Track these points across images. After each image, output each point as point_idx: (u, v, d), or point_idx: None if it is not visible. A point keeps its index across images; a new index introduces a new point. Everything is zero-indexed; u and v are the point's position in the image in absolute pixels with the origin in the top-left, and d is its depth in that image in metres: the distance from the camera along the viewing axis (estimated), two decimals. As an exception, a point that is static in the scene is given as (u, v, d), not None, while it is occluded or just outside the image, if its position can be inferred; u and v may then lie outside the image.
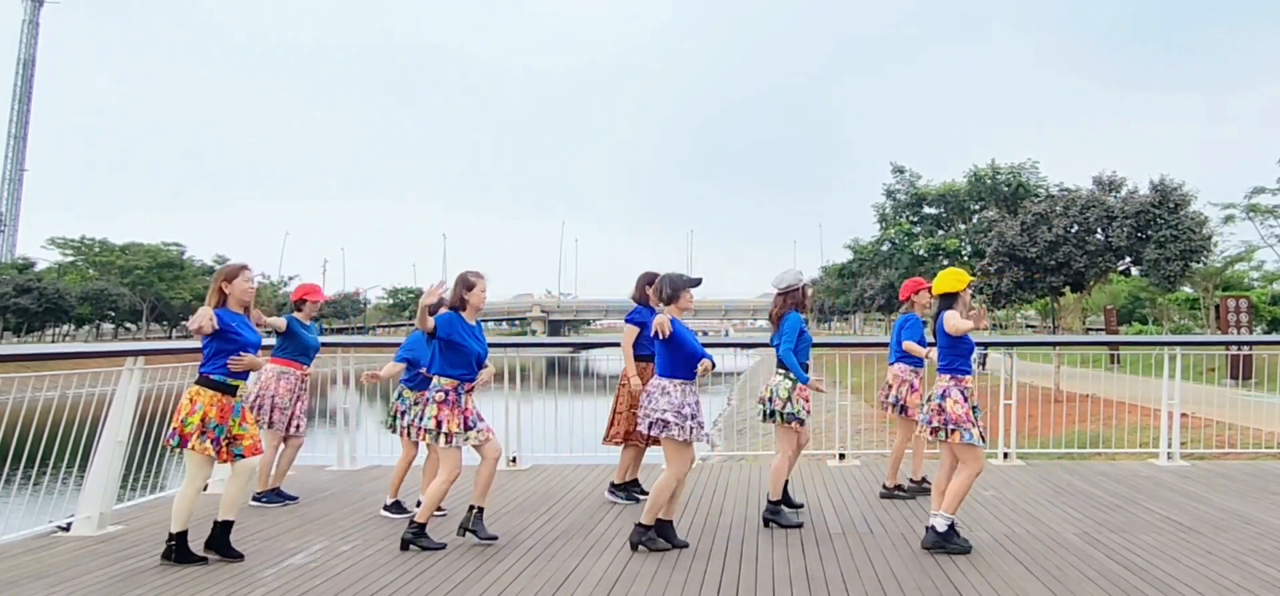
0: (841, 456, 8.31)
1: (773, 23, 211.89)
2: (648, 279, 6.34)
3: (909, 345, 6.57)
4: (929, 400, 5.26)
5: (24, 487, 6.11)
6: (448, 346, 5.13)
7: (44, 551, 5.20)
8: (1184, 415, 9.24)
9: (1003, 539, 5.30)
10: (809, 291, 5.84)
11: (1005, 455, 8.15)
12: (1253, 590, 4.31)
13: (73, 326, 63.39)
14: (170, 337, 64.76)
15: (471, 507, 5.32)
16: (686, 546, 5.22)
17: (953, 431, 5.03)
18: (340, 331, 75.29)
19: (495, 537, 5.37)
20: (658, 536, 5.17)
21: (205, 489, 5.45)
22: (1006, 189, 34.31)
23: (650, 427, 5.10)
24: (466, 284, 5.27)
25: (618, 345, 9.50)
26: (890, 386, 6.75)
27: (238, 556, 4.97)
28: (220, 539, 4.97)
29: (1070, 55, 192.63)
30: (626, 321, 6.51)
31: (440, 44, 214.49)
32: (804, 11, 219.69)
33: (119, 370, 5.88)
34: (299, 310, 6.80)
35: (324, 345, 8.85)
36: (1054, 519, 5.83)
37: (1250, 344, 20.82)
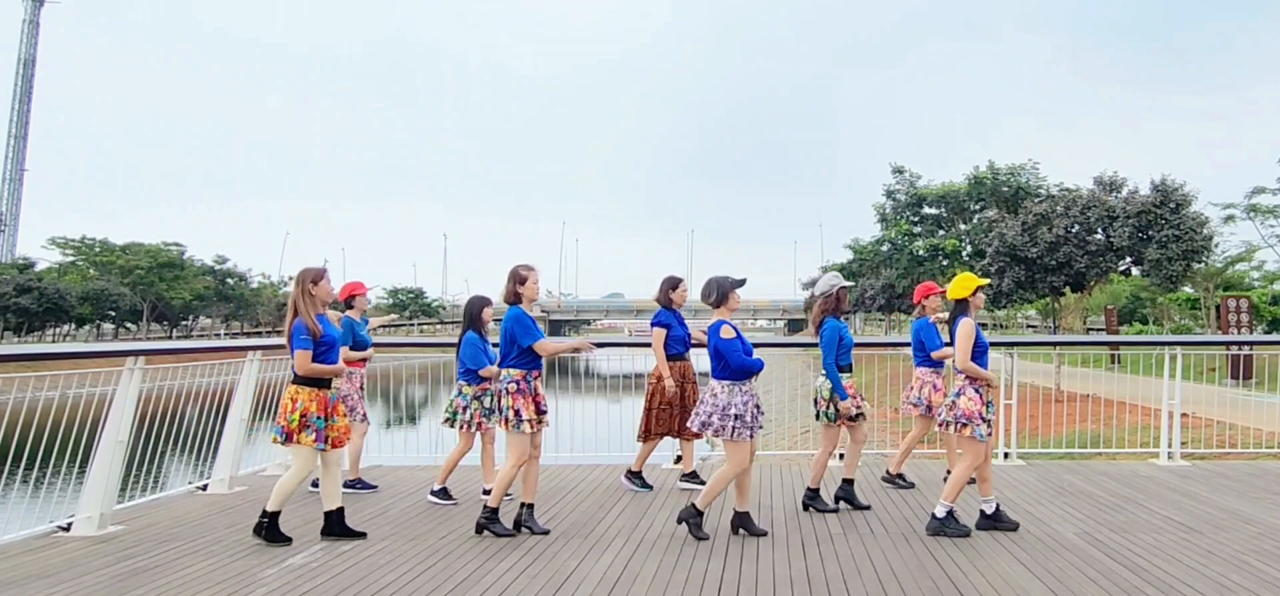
0: (841, 456, 8.31)
1: (774, 23, 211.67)
2: (671, 282, 6.82)
3: (938, 354, 6.84)
4: (946, 397, 5.56)
5: (24, 487, 6.11)
6: (517, 340, 5.41)
7: (44, 551, 5.21)
8: (1184, 415, 9.25)
9: (1003, 538, 5.30)
10: (845, 294, 6.13)
11: (1005, 455, 8.15)
12: (1253, 590, 4.31)
13: (73, 326, 63.35)
14: (170, 338, 64.78)
15: (523, 504, 5.56)
16: (765, 534, 5.43)
17: (963, 425, 5.32)
18: (340, 331, 75.06)
19: (547, 531, 5.56)
20: (739, 526, 5.44)
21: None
22: (1006, 190, 34.32)
23: (701, 428, 5.35)
24: (519, 278, 5.54)
25: (618, 345, 9.59)
26: (912, 387, 6.99)
27: (360, 534, 5.47)
28: (337, 525, 5.42)
29: (1072, 55, 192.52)
30: (653, 325, 6.80)
31: (441, 45, 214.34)
32: (805, 12, 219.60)
33: (119, 370, 5.89)
34: (350, 308, 7.04)
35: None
36: (1054, 518, 5.83)
37: (1251, 344, 20.81)
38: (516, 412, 5.36)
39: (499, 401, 5.47)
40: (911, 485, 6.94)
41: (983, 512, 5.52)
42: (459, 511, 6.26)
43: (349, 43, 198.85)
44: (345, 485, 6.74)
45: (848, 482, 6.17)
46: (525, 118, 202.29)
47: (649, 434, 6.82)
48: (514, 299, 5.52)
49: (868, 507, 6.16)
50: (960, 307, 5.55)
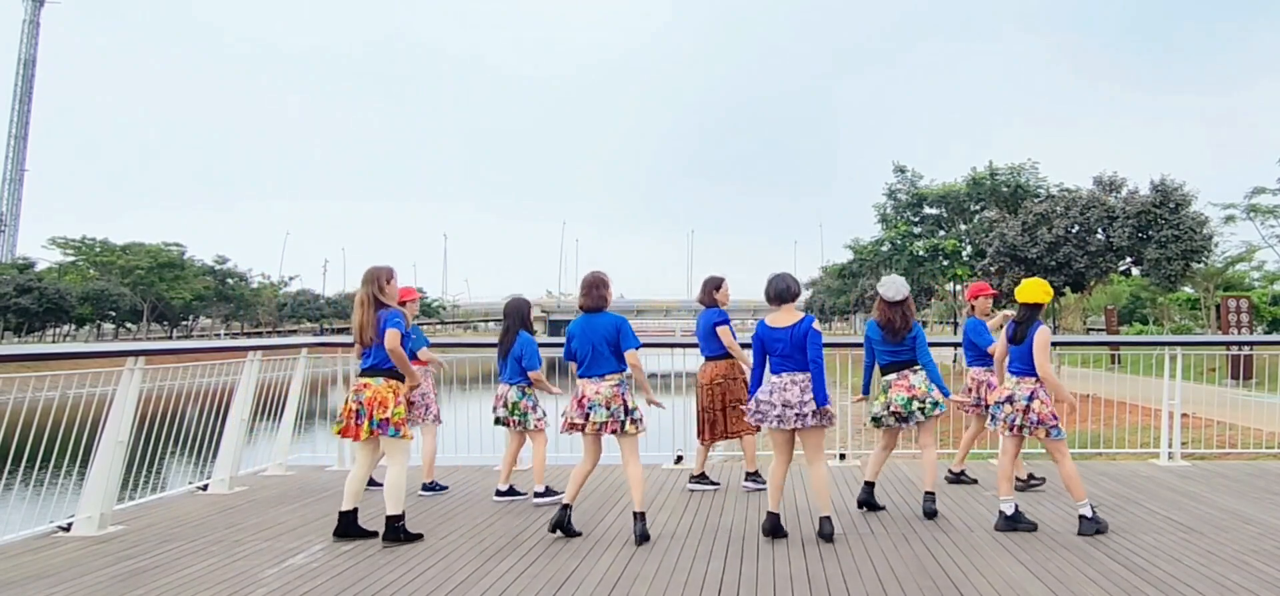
0: (841, 456, 8.32)
1: (774, 23, 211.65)
2: (714, 283, 6.92)
3: (993, 348, 6.65)
4: (1010, 400, 5.54)
5: (24, 487, 6.11)
6: (623, 342, 5.48)
7: (45, 551, 5.21)
8: (1185, 415, 9.25)
9: (1003, 539, 5.30)
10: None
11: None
12: (1254, 590, 4.31)
13: (73, 326, 63.34)
14: (171, 338, 64.76)
15: (566, 505, 5.50)
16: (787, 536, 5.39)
17: (1037, 428, 5.41)
18: (341, 331, 75.39)
19: (580, 533, 5.50)
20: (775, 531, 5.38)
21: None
22: (1006, 190, 34.34)
23: (803, 423, 5.22)
24: (604, 282, 5.58)
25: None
26: (969, 389, 7.01)
27: (372, 534, 5.47)
28: (352, 527, 5.42)
29: (1073, 55, 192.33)
30: (718, 323, 6.80)
31: (441, 46, 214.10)
32: (805, 12, 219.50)
33: (119, 370, 5.89)
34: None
35: (325, 345, 8.91)
36: (1054, 519, 5.83)
37: (1251, 344, 20.81)
38: (632, 412, 5.45)
39: (623, 405, 5.41)
40: (974, 481, 7.01)
41: (1002, 514, 5.52)
42: (459, 512, 6.26)
43: (349, 43, 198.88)
44: (422, 487, 6.89)
45: (931, 495, 5.96)
46: (525, 118, 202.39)
47: (731, 433, 6.76)
48: (604, 304, 5.52)
49: (937, 513, 5.95)
50: (1034, 312, 5.57)
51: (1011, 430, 5.54)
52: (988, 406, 6.76)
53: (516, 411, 6.51)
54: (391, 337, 5.20)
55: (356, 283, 7.13)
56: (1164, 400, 8.17)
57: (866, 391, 6.23)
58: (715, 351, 6.81)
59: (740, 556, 4.97)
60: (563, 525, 5.45)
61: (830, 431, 6.24)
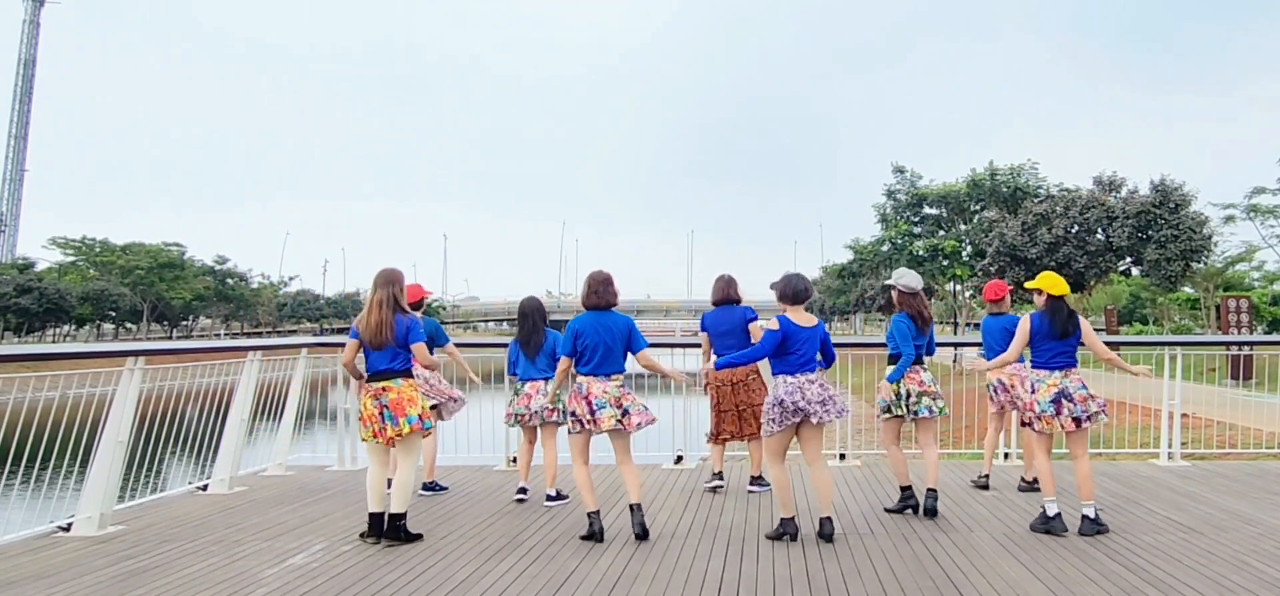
0: (842, 456, 8.32)
1: (774, 23, 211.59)
2: (734, 281, 6.89)
3: (1010, 368, 6.55)
4: (1064, 396, 5.44)
5: (24, 487, 6.11)
6: (634, 344, 5.66)
7: (44, 551, 5.21)
8: (1185, 415, 9.25)
9: (1003, 539, 5.30)
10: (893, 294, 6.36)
11: (1006, 456, 8.16)
12: (1253, 590, 4.30)
13: (73, 326, 63.33)
14: (170, 338, 64.76)
15: (595, 515, 5.48)
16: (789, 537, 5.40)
17: (1100, 413, 5.45)
18: (341, 331, 75.41)
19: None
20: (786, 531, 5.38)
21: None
22: (1005, 190, 34.37)
23: (832, 412, 5.27)
24: (612, 280, 5.68)
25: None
26: (1008, 388, 6.82)
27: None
28: (389, 527, 5.37)
29: (1073, 55, 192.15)
30: (752, 320, 6.77)
31: (441, 46, 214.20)
32: (805, 12, 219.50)
33: (119, 370, 5.89)
34: (418, 310, 7.05)
35: (324, 345, 8.91)
36: (1054, 519, 5.82)
37: (1251, 344, 20.81)
38: (641, 406, 5.56)
39: (632, 401, 5.46)
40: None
41: (1045, 513, 5.48)
42: (459, 512, 6.26)
43: (349, 43, 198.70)
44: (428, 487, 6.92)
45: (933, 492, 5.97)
46: (525, 118, 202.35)
47: (746, 435, 6.77)
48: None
49: (938, 511, 5.98)
50: (1066, 304, 5.57)
51: (1078, 425, 5.46)
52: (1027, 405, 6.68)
53: (558, 402, 6.44)
54: (422, 352, 5.37)
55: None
56: (1164, 400, 8.18)
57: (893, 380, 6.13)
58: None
59: (740, 556, 4.97)
60: (601, 531, 5.40)
61: (827, 430, 6.21)
